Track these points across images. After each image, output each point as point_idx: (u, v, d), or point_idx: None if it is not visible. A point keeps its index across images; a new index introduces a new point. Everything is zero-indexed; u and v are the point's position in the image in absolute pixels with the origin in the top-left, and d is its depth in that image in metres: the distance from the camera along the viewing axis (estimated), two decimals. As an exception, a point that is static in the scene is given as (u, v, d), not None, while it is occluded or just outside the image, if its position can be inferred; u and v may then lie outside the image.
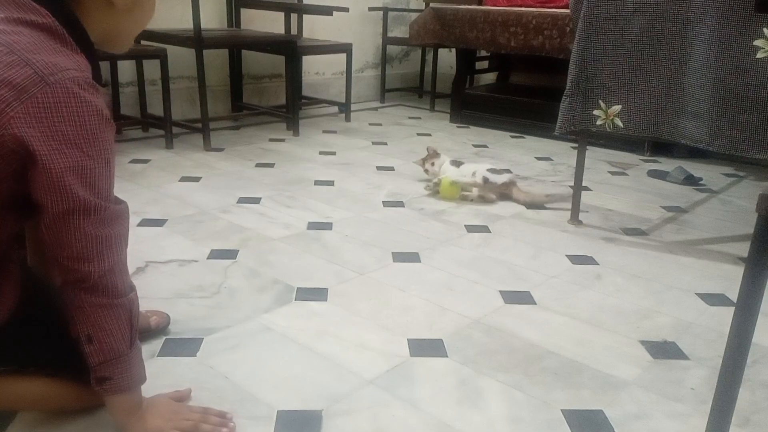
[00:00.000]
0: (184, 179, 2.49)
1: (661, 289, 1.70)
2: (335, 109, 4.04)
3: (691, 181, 2.72)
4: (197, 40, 2.82)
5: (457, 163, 2.47)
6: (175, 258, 1.75)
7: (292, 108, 3.42)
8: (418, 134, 3.56)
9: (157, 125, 3.13)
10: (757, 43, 1.63)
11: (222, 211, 2.14)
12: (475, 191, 2.36)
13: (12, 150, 0.81)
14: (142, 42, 3.07)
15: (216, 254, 1.79)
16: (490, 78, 4.56)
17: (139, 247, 1.79)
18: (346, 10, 3.58)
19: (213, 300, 1.53)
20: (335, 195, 2.37)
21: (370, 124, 3.78)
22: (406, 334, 1.40)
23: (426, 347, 1.35)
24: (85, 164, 0.85)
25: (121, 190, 2.25)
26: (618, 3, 1.83)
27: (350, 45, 3.69)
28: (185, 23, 2.95)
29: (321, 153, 3.01)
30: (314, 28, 4.01)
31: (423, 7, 4.14)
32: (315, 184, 2.50)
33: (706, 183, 2.74)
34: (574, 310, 1.55)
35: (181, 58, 3.27)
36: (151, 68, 3.08)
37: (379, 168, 2.79)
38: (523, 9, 3.36)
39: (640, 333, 1.46)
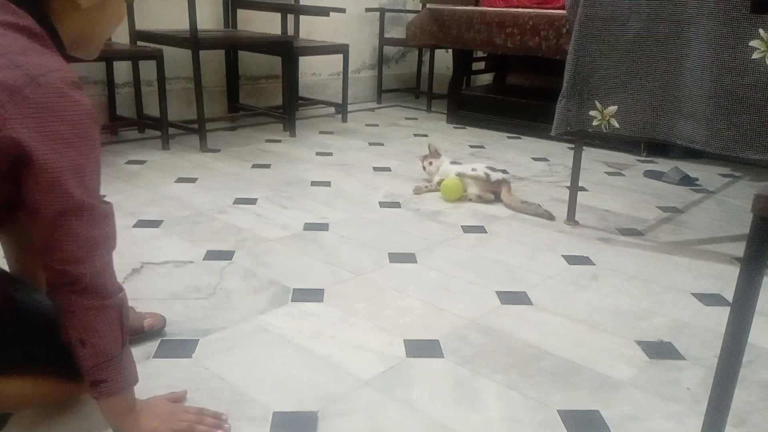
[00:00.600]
0: (180, 180, 2.49)
1: (658, 289, 1.70)
2: (332, 109, 4.04)
3: (687, 181, 2.72)
4: (193, 41, 2.81)
5: (456, 164, 2.47)
6: (171, 259, 1.74)
7: (288, 109, 3.42)
8: (415, 135, 3.56)
9: (153, 126, 3.12)
10: (753, 43, 1.64)
11: (218, 212, 2.14)
12: (473, 191, 2.36)
13: (5, 152, 0.81)
14: (139, 43, 3.07)
15: (212, 255, 1.78)
16: (486, 79, 4.56)
17: (135, 248, 1.78)
18: (342, 11, 3.58)
19: (209, 301, 1.52)
20: (332, 196, 2.37)
21: (366, 125, 3.78)
22: (403, 334, 1.40)
23: (422, 348, 1.35)
24: (79, 163, 0.85)
25: (117, 191, 2.26)
26: (614, 4, 1.83)
27: (347, 46, 3.69)
28: (181, 24, 2.95)
29: (318, 154, 3.01)
30: (311, 29, 4.00)
31: (420, 8, 4.14)
32: (312, 185, 2.50)
33: (702, 183, 2.75)
34: (571, 311, 1.55)
35: (177, 58, 3.26)
36: (148, 69, 3.08)
37: (375, 169, 2.78)
38: (519, 10, 3.36)
39: (637, 333, 1.46)
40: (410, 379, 1.24)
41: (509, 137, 3.59)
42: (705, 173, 2.90)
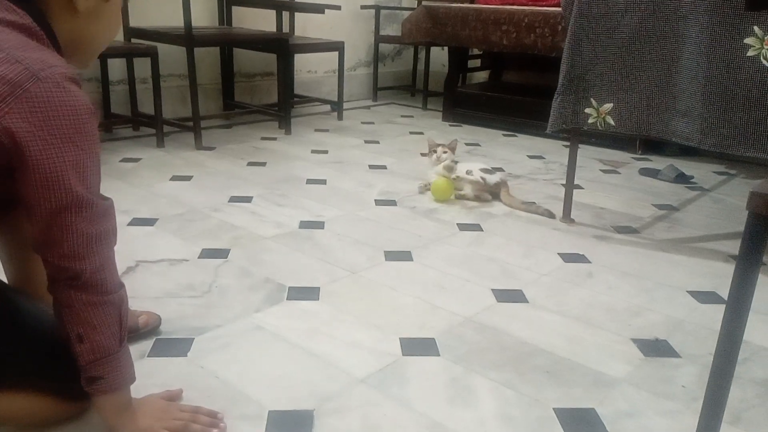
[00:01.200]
0: (175, 178, 2.48)
1: (653, 287, 1.70)
2: (327, 107, 4.04)
3: (682, 179, 2.73)
4: (188, 38, 2.80)
5: (449, 168, 2.45)
6: (166, 257, 1.74)
7: (284, 106, 3.41)
8: (411, 133, 3.56)
9: (148, 124, 3.11)
10: (748, 41, 1.64)
11: (213, 210, 2.13)
12: (468, 189, 2.35)
13: (3, 145, 0.80)
14: (133, 40, 3.05)
15: (207, 253, 1.78)
16: (482, 76, 4.56)
17: (130, 247, 1.78)
18: (338, 8, 3.57)
19: (204, 299, 1.52)
20: (327, 194, 2.37)
21: (362, 123, 3.78)
22: (398, 332, 1.40)
23: (418, 346, 1.35)
24: (79, 159, 0.85)
25: (111, 189, 2.24)
26: (609, 1, 1.83)
27: (342, 43, 3.68)
28: (176, 21, 2.93)
29: (313, 151, 3.00)
30: (306, 26, 3.99)
31: (415, 5, 4.13)
32: (307, 183, 2.49)
33: (698, 181, 2.75)
34: (566, 308, 1.56)
35: (171, 56, 3.25)
36: (142, 66, 3.06)
37: (371, 166, 2.78)
38: (515, 7, 3.35)
39: (632, 331, 1.46)
40: (405, 377, 1.24)
41: (505, 135, 3.59)
42: (700, 171, 2.90)
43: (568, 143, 2.30)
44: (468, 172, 2.37)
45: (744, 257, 0.83)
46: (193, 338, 1.34)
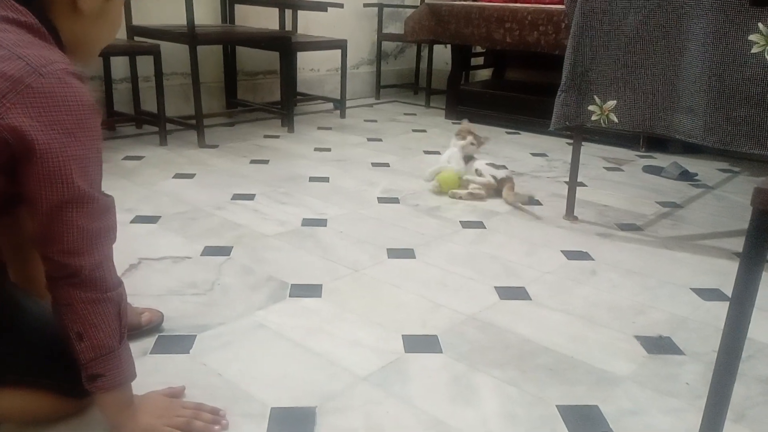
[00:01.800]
0: (177, 176, 2.48)
1: (656, 284, 1.70)
2: (330, 105, 4.03)
3: (686, 176, 2.72)
4: (191, 36, 2.80)
5: (467, 159, 2.45)
6: (169, 255, 1.74)
7: (286, 104, 3.41)
8: (414, 131, 3.55)
9: (150, 122, 3.11)
10: (752, 37, 1.63)
11: (216, 207, 2.13)
12: (464, 191, 2.35)
13: (6, 141, 0.80)
14: (136, 38, 3.05)
15: (210, 251, 1.78)
16: (485, 74, 4.55)
17: (133, 245, 1.78)
18: (340, 6, 3.56)
19: (206, 297, 1.52)
20: (330, 191, 2.37)
21: (365, 121, 3.77)
22: (401, 330, 1.40)
23: (420, 343, 1.35)
24: (81, 154, 0.85)
25: (114, 186, 2.24)
26: (613, -2, 1.83)
27: (345, 41, 3.67)
28: (179, 19, 2.93)
29: (316, 149, 3.00)
30: (309, 24, 3.99)
31: (418, 3, 4.13)
32: (310, 181, 2.49)
33: (701, 178, 2.74)
34: (569, 306, 1.55)
35: (174, 54, 3.25)
36: (145, 65, 3.06)
37: (374, 164, 2.78)
38: (518, 5, 3.35)
39: (635, 328, 1.45)
40: (408, 375, 1.23)
41: (508, 133, 3.59)
42: (704, 168, 2.89)
43: (571, 141, 2.29)
44: (477, 172, 2.36)
45: (748, 254, 0.82)
46: (196, 336, 1.34)
